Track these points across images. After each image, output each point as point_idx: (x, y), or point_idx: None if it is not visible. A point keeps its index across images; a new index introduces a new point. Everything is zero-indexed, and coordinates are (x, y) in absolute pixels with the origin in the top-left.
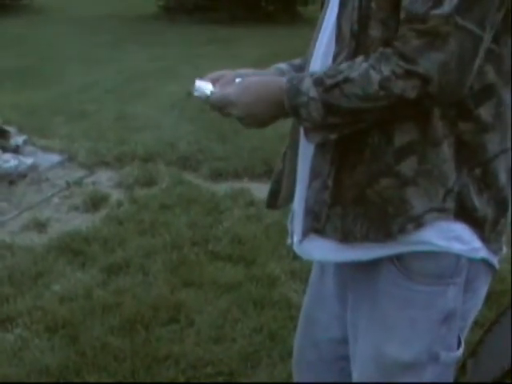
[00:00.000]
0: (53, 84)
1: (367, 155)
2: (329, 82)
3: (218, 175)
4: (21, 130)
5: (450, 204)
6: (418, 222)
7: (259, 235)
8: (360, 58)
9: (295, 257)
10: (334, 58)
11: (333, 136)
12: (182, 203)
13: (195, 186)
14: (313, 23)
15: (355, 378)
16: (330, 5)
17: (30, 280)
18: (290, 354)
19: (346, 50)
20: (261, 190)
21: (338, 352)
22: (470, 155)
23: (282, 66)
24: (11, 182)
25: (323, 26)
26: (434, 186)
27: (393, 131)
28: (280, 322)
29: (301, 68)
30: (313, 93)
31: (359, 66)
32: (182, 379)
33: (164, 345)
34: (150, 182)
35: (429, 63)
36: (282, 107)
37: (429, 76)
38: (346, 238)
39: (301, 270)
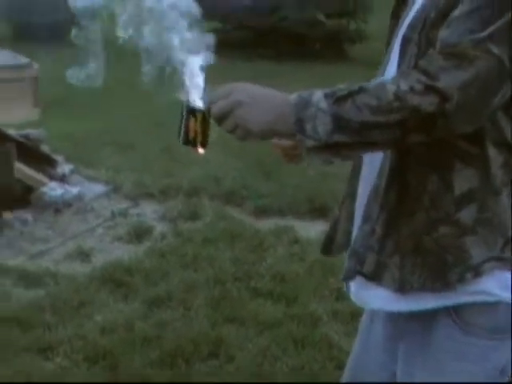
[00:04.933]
0: (101, 114)
1: (426, 202)
2: (341, 92)
3: (261, 212)
4: (68, 159)
5: (508, 253)
6: (477, 272)
7: (302, 274)
8: None
9: (338, 297)
10: None
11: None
12: (225, 238)
13: (239, 222)
14: (359, 62)
15: None
16: (394, 50)
17: (72, 309)
18: None
19: None
20: (305, 228)
21: None
22: None
23: None
24: (57, 211)
25: (386, 72)
26: (494, 235)
27: (452, 178)
28: (320, 362)
29: None
30: (323, 104)
31: (376, 82)
32: None
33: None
34: (193, 216)
35: (450, 80)
36: (284, 120)
37: (448, 93)
38: (402, 287)
39: (343, 311)
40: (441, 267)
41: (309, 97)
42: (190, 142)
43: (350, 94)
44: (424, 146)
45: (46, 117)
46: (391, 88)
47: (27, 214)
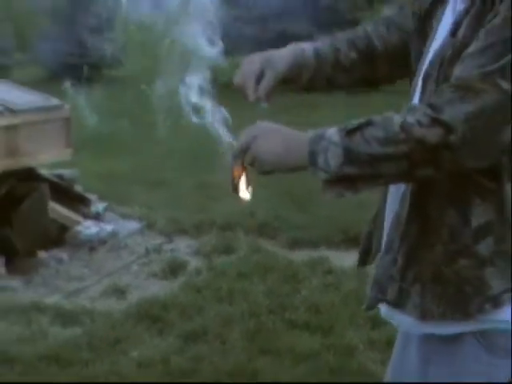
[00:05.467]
0: (133, 152)
1: (445, 236)
2: (351, 126)
3: (295, 243)
4: (101, 198)
5: None
6: (495, 302)
7: (337, 304)
8: None
9: (373, 326)
10: None
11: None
12: (259, 271)
13: (273, 254)
14: (392, 93)
15: None
16: (418, 85)
17: (109, 346)
18: None
19: None
20: (339, 259)
21: None
22: None
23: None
24: (92, 249)
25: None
26: (510, 267)
27: (470, 213)
28: None
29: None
30: (335, 137)
31: (384, 115)
32: None
33: None
34: (227, 250)
35: (455, 112)
36: (298, 153)
37: (452, 125)
38: (424, 315)
39: (379, 340)
40: (461, 298)
41: (323, 132)
42: (235, 190)
43: (359, 127)
44: (443, 181)
45: (77, 156)
46: (398, 120)
47: (62, 253)
